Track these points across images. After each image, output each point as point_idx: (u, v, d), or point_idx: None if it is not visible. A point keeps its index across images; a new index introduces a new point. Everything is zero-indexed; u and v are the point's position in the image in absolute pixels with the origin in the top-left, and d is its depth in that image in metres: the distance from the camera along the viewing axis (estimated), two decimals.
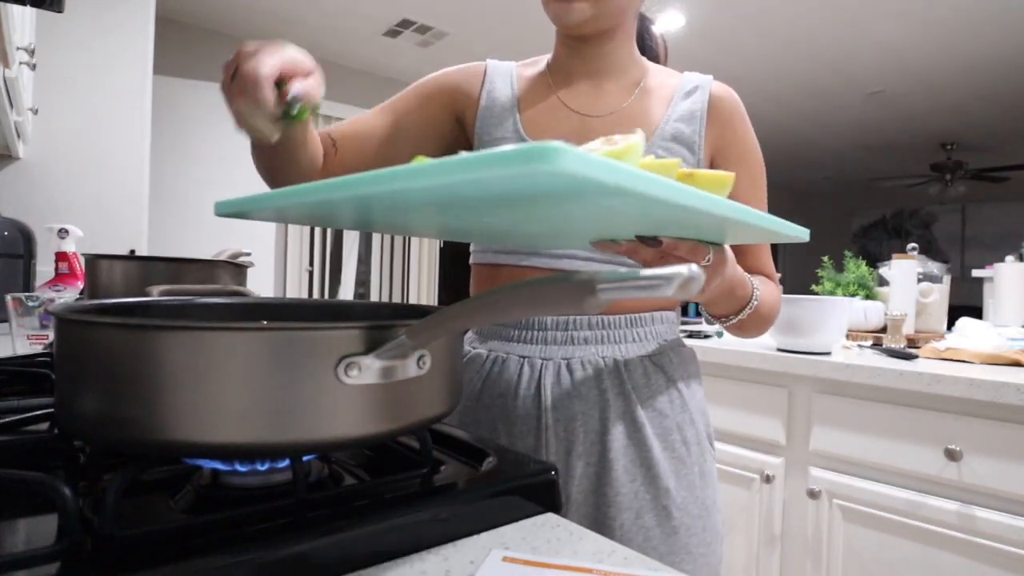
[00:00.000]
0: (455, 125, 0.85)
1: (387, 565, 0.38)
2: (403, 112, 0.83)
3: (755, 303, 0.68)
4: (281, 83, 0.55)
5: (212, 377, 0.36)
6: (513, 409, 0.75)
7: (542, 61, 0.85)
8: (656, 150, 0.75)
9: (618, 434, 0.72)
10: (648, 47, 0.94)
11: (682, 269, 0.32)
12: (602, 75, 0.80)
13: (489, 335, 0.81)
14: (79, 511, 0.35)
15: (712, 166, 0.79)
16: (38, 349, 1.14)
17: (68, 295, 1.39)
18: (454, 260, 4.84)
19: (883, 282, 1.88)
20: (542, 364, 0.75)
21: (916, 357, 1.45)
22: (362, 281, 4.41)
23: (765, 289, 0.74)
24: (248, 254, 1.07)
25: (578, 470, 0.72)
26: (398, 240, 4.47)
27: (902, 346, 1.59)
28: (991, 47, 3.69)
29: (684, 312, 2.72)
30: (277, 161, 0.71)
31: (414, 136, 0.83)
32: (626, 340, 0.76)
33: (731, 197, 0.73)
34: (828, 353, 1.53)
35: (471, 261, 0.85)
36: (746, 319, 0.70)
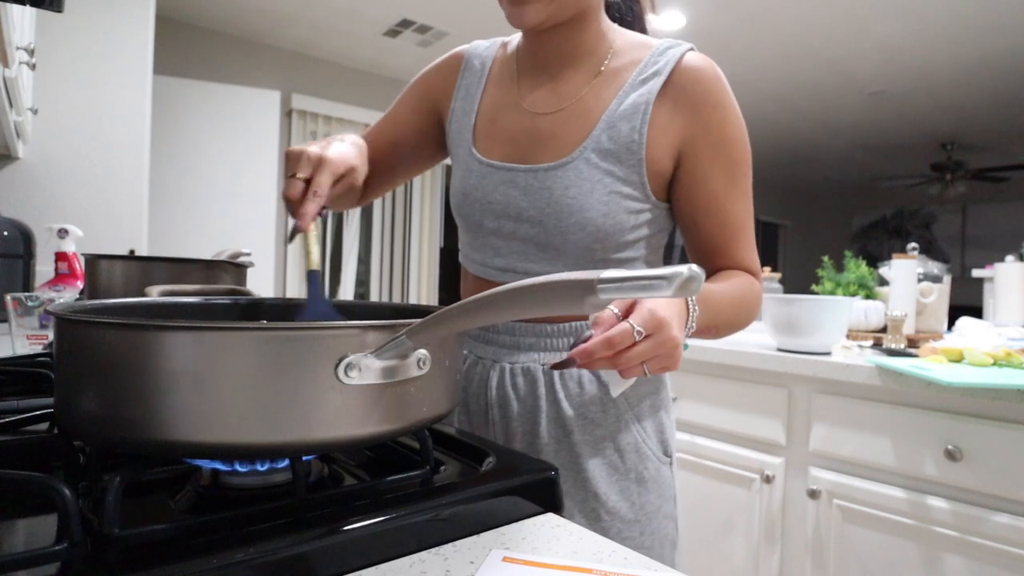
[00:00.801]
0: (438, 120, 0.87)
1: (387, 565, 0.38)
2: (404, 128, 0.88)
3: (691, 327, 0.61)
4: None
5: (212, 377, 0.36)
6: (471, 404, 0.80)
7: (515, 40, 0.83)
8: (590, 155, 0.71)
9: (549, 439, 0.74)
10: (634, 8, 0.86)
11: (682, 269, 0.32)
12: (565, 63, 0.76)
13: (476, 338, 0.83)
14: (79, 511, 0.35)
15: (681, 159, 0.72)
16: (38, 349, 1.14)
17: (68, 295, 1.39)
18: (454, 260, 4.84)
19: (883, 282, 1.88)
20: (491, 366, 0.78)
21: (916, 357, 1.44)
22: (362, 281, 4.41)
23: (723, 290, 0.70)
24: (248, 254, 1.07)
25: None
26: (398, 240, 4.47)
27: (902, 346, 1.59)
28: (991, 47, 3.69)
29: None
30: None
31: (415, 147, 0.89)
32: (564, 348, 0.75)
33: (704, 194, 0.72)
34: (828, 353, 1.53)
35: (461, 263, 0.85)
36: (702, 331, 0.66)
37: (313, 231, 0.64)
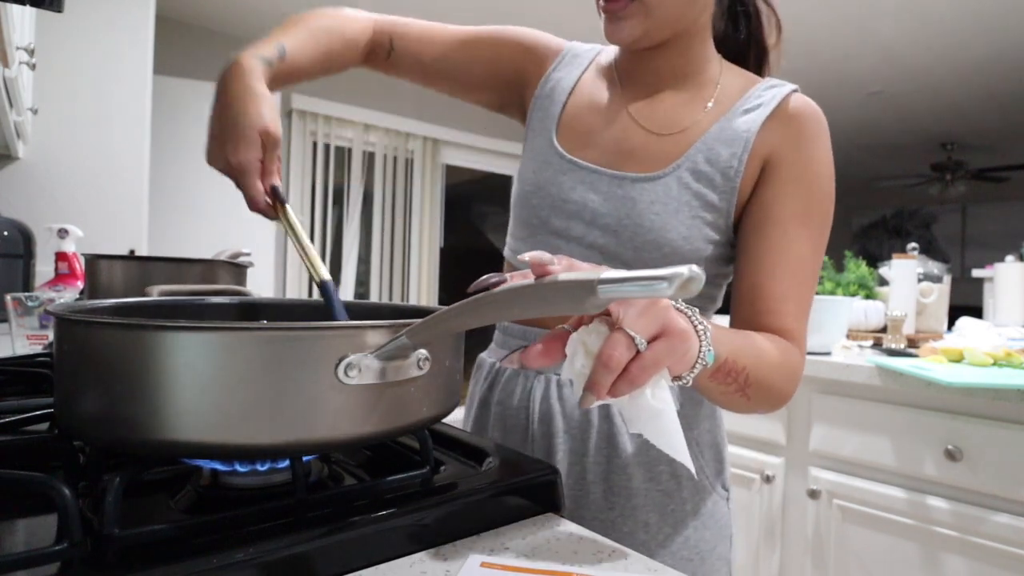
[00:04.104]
0: (514, 79, 0.82)
1: (387, 565, 0.38)
2: (474, 45, 0.82)
3: (703, 364, 0.47)
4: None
5: (212, 377, 0.36)
6: (507, 418, 0.75)
7: (615, 50, 0.80)
8: (683, 174, 0.68)
9: (598, 458, 0.69)
10: (736, 37, 0.80)
11: (682, 269, 0.32)
12: (664, 83, 0.73)
13: (501, 345, 0.80)
14: (79, 511, 0.35)
15: (759, 180, 0.68)
16: (38, 349, 1.14)
17: (68, 295, 1.39)
18: (454, 260, 4.83)
19: (883, 282, 1.88)
20: (535, 378, 0.73)
21: (916, 357, 1.44)
22: (362, 281, 4.41)
23: (743, 334, 0.59)
24: (248, 254, 1.07)
25: None
26: (398, 240, 4.47)
27: (902, 346, 1.59)
28: (991, 47, 3.69)
29: None
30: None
31: (475, 72, 0.83)
32: None
33: (765, 217, 0.67)
34: (828, 353, 1.53)
35: (504, 252, 0.82)
36: (725, 370, 0.52)
37: (288, 218, 0.62)
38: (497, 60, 0.83)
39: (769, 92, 0.70)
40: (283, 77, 0.70)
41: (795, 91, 0.70)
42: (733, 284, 0.71)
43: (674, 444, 0.42)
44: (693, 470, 0.46)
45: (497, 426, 0.76)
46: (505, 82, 0.83)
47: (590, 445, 0.69)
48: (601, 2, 0.68)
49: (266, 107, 0.63)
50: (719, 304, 0.77)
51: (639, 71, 0.75)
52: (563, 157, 0.74)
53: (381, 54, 0.84)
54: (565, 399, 0.71)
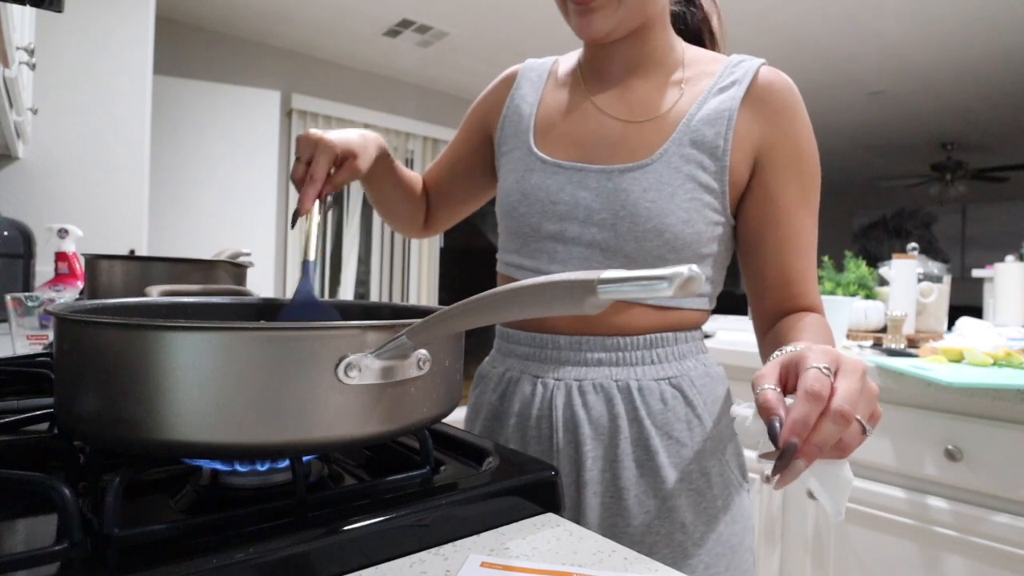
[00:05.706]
0: (489, 135, 0.87)
1: (387, 565, 0.38)
2: (459, 149, 0.90)
3: None
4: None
5: (212, 377, 0.36)
6: (527, 429, 0.72)
7: (576, 54, 0.82)
8: (671, 158, 0.68)
9: (629, 462, 0.68)
10: (691, 18, 0.83)
11: (682, 269, 0.32)
12: (632, 73, 0.74)
13: (506, 353, 0.77)
14: (79, 511, 0.35)
15: (756, 169, 0.70)
16: (38, 349, 1.14)
17: (68, 295, 1.39)
18: (454, 260, 4.83)
19: (883, 282, 1.88)
20: (554, 385, 0.71)
21: (916, 357, 1.44)
22: (362, 281, 4.41)
23: (825, 335, 0.65)
24: (248, 254, 1.07)
25: (588, 495, 0.68)
26: (398, 240, 4.47)
27: (902, 346, 1.59)
28: (991, 47, 3.69)
29: None
30: (382, 202, 0.88)
31: (469, 169, 0.89)
32: (643, 362, 0.70)
33: (774, 207, 0.69)
34: None
35: (497, 269, 0.82)
36: None
37: (314, 216, 0.65)
38: (474, 143, 0.88)
39: (740, 68, 0.72)
40: (384, 170, 0.82)
41: (763, 64, 0.72)
42: (754, 274, 0.72)
43: (839, 506, 0.46)
44: (842, 518, 0.48)
45: (514, 437, 0.73)
46: (491, 148, 0.87)
47: (620, 450, 0.68)
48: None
49: (349, 133, 0.72)
50: (721, 287, 0.77)
51: (604, 65, 0.76)
52: (545, 161, 0.73)
53: (426, 198, 0.95)
54: (590, 405, 0.69)
